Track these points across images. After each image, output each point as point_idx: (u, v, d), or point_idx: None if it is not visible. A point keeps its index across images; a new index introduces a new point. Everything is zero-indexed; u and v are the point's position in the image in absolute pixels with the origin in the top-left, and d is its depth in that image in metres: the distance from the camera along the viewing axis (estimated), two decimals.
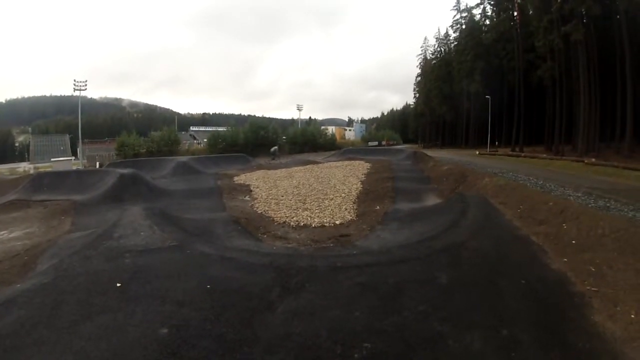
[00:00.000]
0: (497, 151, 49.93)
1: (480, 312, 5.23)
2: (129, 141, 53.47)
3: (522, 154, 43.24)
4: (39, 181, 20.81)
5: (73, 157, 60.41)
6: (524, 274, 6.64)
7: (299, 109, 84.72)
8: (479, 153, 47.04)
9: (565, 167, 26.51)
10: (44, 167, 47.38)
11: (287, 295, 5.47)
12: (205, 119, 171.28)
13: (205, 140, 69.00)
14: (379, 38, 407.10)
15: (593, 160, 30.57)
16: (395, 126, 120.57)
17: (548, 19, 42.16)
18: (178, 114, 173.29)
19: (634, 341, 4.61)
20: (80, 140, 58.68)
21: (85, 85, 55.87)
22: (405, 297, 5.49)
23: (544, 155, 40.63)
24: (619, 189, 13.88)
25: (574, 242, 7.83)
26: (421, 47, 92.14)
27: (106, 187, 17.43)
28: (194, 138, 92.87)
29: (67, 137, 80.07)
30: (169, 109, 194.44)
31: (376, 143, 79.95)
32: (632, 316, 5.05)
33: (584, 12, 37.79)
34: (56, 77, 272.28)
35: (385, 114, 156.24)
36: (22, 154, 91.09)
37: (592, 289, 5.96)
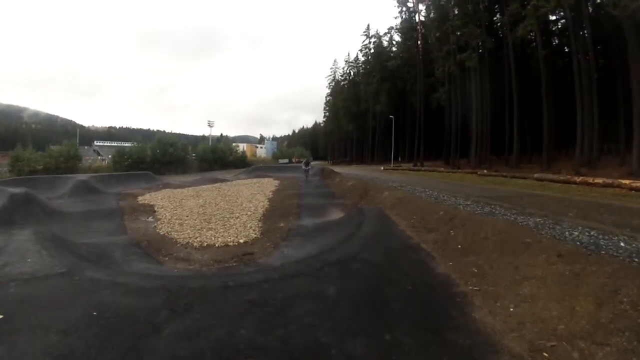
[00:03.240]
0: (401, 166, 52.83)
1: (365, 320, 5.47)
2: (24, 156, 48.09)
3: (423, 168, 46.25)
4: None
5: None
6: (411, 280, 7.05)
7: (210, 125, 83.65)
8: (383, 168, 49.29)
9: (460, 179, 28.49)
10: None
11: (175, 318, 5.41)
12: (111, 133, 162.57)
13: (110, 156, 65.35)
14: (298, 60, 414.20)
15: (485, 171, 33.67)
16: (306, 144, 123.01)
17: (446, 49, 46.16)
18: (81, 126, 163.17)
19: (512, 332, 4.99)
20: None
21: None
22: (292, 311, 5.63)
23: (442, 168, 43.94)
24: (505, 196, 15.13)
25: (459, 246, 8.49)
26: (331, 69, 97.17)
27: None
28: (98, 154, 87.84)
29: None
30: (71, 120, 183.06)
31: (287, 160, 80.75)
32: (511, 309, 5.51)
33: (479, 44, 41.77)
34: None
35: (297, 131, 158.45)
36: None
37: (475, 288, 6.45)
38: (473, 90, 43.98)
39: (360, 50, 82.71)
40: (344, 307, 5.87)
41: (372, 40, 78.79)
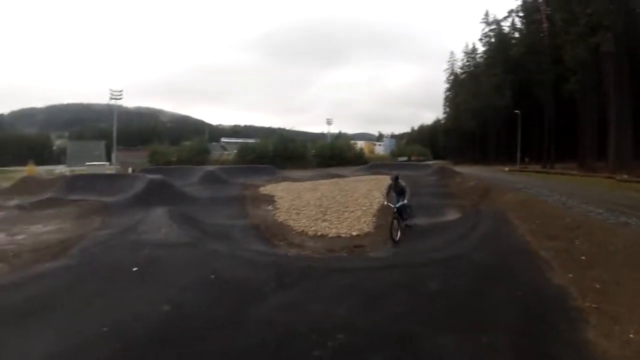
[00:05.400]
0: (527, 167, 48.79)
1: (463, 318, 5.28)
2: (160, 149, 57.46)
3: (552, 171, 42.05)
4: (74, 182, 22.63)
5: (107, 163, 62.91)
6: (521, 286, 6.57)
7: (329, 123, 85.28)
8: (508, 169, 46.05)
9: (595, 184, 25.51)
10: (80, 170, 49.43)
11: (280, 291, 5.84)
12: (236, 131, 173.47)
13: (235, 151, 69.95)
14: (418, 56, 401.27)
15: (625, 176, 29.34)
16: (425, 141, 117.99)
17: (575, 31, 40.66)
18: (210, 125, 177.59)
19: None
20: (114, 147, 60.60)
21: (121, 94, 58.29)
22: (389, 299, 5.64)
23: (575, 171, 38.97)
24: None
25: (583, 258, 7.64)
26: (448, 62, 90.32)
27: (135, 190, 18.51)
28: (225, 149, 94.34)
29: (102, 144, 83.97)
30: (201, 120, 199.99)
31: (405, 158, 79.22)
32: (631, 336, 4.84)
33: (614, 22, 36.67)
34: (94, 86, 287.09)
35: (416, 129, 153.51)
36: (59, 158, 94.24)
37: (593, 305, 5.76)
38: (609, 79, 38.29)
39: (480, 40, 76.02)
40: (441, 303, 5.76)
41: (492, 27, 73.31)
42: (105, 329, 4.46)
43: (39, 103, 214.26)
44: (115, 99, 59.09)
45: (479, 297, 6.07)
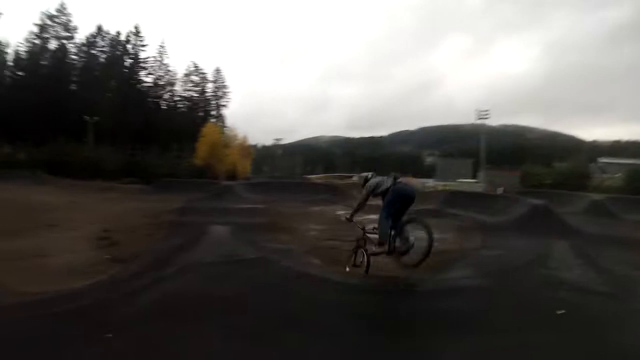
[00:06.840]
0: None
1: None
2: (533, 171, 56.83)
3: None
4: (452, 197, 25.67)
5: (475, 180, 65.52)
6: None
7: None
8: None
9: None
10: (449, 185, 53.32)
11: None
12: (616, 148, 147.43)
13: (618, 174, 58.14)
14: None
15: None
16: None
17: None
18: (582, 141, 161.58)
19: None
20: (482, 166, 62.46)
21: (488, 114, 59.86)
22: None
23: None
24: None
25: None
26: None
27: (514, 214, 17.91)
28: (603, 171, 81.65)
29: (469, 162, 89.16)
30: (572, 135, 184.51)
31: None
32: None
33: None
34: (463, 108, 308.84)
35: None
36: (429, 172, 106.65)
37: None
38: None
39: None
40: None
41: None
42: None
43: (412, 126, 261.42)
44: (483, 118, 61.12)
45: None
